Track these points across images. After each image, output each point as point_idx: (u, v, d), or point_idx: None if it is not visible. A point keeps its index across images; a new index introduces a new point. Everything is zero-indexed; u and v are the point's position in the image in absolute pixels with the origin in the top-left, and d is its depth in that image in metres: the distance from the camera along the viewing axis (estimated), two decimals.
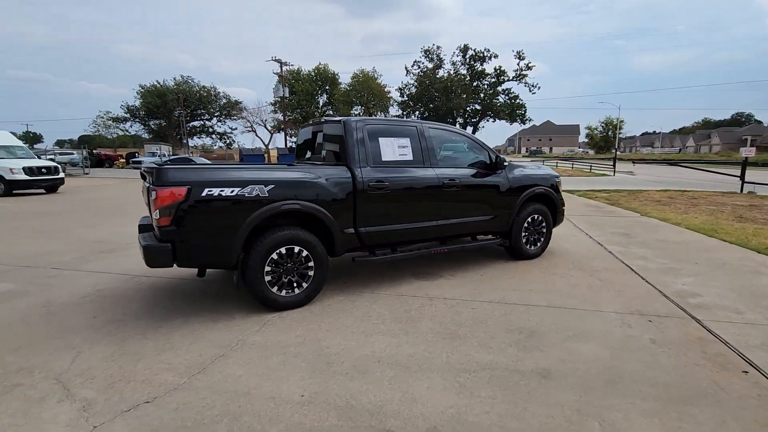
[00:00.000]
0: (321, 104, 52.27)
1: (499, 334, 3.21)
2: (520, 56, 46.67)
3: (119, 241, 6.45)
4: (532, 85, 47.69)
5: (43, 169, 14.25)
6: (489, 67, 48.61)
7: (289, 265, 3.62)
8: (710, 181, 17.62)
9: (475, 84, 49.13)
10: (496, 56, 47.87)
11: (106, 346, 3.03)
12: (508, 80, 48.39)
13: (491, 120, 50.75)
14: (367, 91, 48.82)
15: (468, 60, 48.68)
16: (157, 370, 2.69)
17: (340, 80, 52.25)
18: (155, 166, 3.32)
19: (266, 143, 47.66)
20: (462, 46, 48.18)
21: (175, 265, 3.31)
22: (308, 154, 4.98)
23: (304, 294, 3.72)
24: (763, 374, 2.60)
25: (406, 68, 49.39)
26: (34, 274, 4.81)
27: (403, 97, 50.12)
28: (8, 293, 4.17)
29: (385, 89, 50.97)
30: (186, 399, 2.37)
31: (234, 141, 55.46)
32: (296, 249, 3.62)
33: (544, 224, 5.41)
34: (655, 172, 26.60)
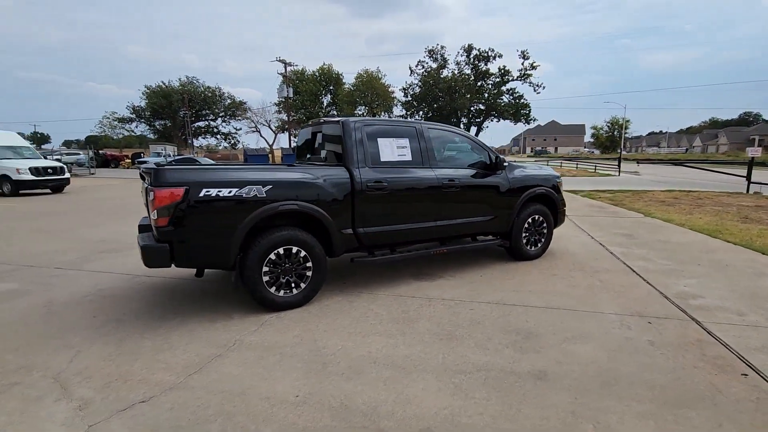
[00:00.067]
0: (325, 104, 52.42)
1: (496, 335, 3.20)
2: (524, 56, 46.51)
3: (122, 240, 6.49)
4: (537, 85, 47.52)
5: (49, 170, 14.38)
6: (493, 67, 48.49)
7: (287, 265, 3.63)
8: (716, 181, 17.46)
9: (479, 84, 48.99)
10: (500, 56, 47.73)
11: (105, 345, 3.05)
12: (513, 80, 48.22)
13: (495, 120, 50.60)
14: (371, 91, 48.84)
15: (472, 60, 48.56)
16: (154, 370, 2.70)
17: (344, 80, 52.39)
18: (154, 166, 3.34)
19: (270, 143, 47.85)
20: (466, 46, 48.09)
21: (173, 265, 3.33)
22: (308, 155, 4.99)
23: (302, 294, 3.72)
24: (762, 377, 2.57)
25: (410, 68, 49.38)
26: (37, 274, 4.86)
27: (407, 97, 50.08)
28: (11, 292, 4.22)
29: (389, 89, 50.98)
30: (181, 398, 2.38)
31: (238, 141, 55.83)
32: (294, 249, 3.63)
33: (544, 225, 5.39)
34: (660, 172, 26.40)
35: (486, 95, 49.39)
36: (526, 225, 5.22)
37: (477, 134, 49.92)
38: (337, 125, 4.18)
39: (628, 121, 68.28)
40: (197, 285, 4.36)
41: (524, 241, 5.23)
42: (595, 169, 28.16)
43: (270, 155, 38.38)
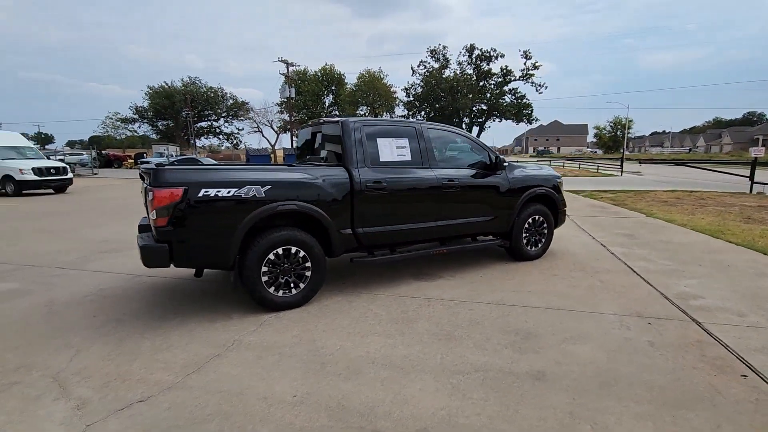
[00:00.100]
0: (327, 104, 52.46)
1: (495, 335, 3.19)
2: (526, 56, 46.39)
3: (124, 240, 6.51)
4: (539, 85, 47.38)
5: (51, 170, 14.45)
6: (495, 67, 48.40)
7: (286, 265, 3.63)
8: (719, 181, 17.38)
9: (481, 84, 48.91)
10: (502, 56, 47.62)
11: (105, 345, 3.06)
12: (515, 80, 48.11)
13: (497, 120, 50.51)
14: (372, 91, 48.84)
15: (474, 60, 48.48)
16: (152, 370, 2.71)
17: (346, 80, 52.43)
18: (153, 166, 3.35)
19: (273, 143, 47.89)
20: (468, 46, 48.00)
21: (172, 265, 3.34)
22: (308, 155, 4.99)
23: (301, 294, 3.73)
24: (762, 378, 2.56)
25: (412, 68, 49.33)
26: (39, 273, 4.88)
27: (409, 97, 50.07)
28: (12, 292, 4.24)
29: (391, 89, 50.98)
30: (179, 398, 2.39)
31: (241, 141, 55.94)
32: (293, 249, 3.64)
33: (545, 225, 5.38)
34: (663, 172, 26.31)
35: (488, 95, 49.30)
36: (527, 225, 5.21)
37: (479, 134, 49.90)
38: (336, 125, 4.19)
39: (631, 121, 68.16)
40: (197, 285, 4.37)
41: (524, 241, 5.22)
42: (598, 169, 28.08)
43: (272, 155, 38.44)
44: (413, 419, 2.20)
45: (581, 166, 33.27)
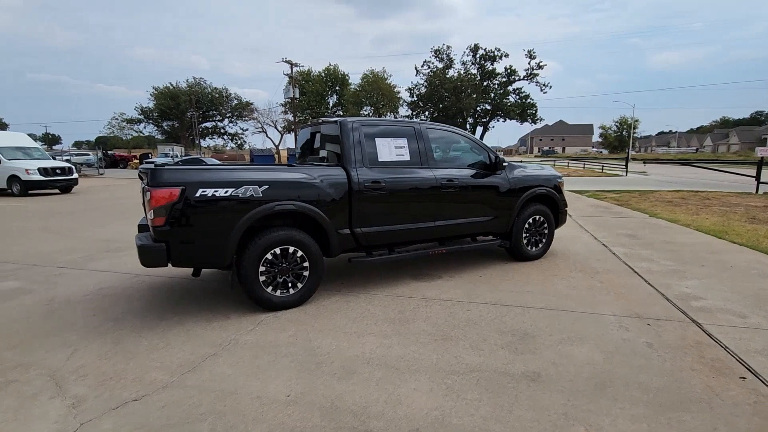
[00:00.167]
0: (331, 105, 52.54)
1: (491, 336, 3.18)
2: (531, 55, 46.22)
3: (126, 240, 6.55)
4: (544, 85, 47.20)
5: (57, 170, 14.58)
6: (499, 67, 48.28)
7: (284, 265, 3.64)
8: (726, 181, 17.22)
9: (485, 84, 48.78)
10: (506, 55, 47.50)
11: (102, 344, 3.08)
12: (519, 80, 47.97)
13: (502, 120, 50.36)
14: (376, 91, 48.86)
15: (478, 60, 48.37)
16: (148, 369, 2.72)
17: (350, 81, 52.49)
18: (152, 166, 3.37)
19: (277, 144, 48.04)
20: (472, 46, 47.91)
21: (170, 264, 3.36)
22: (308, 155, 5.00)
23: (299, 294, 3.73)
24: (761, 380, 2.53)
25: (416, 68, 49.28)
26: (41, 273, 4.92)
27: (412, 97, 50.04)
28: (14, 291, 4.28)
29: (395, 90, 50.97)
30: (174, 397, 2.39)
31: (245, 142, 56.19)
32: (291, 249, 3.64)
33: (545, 225, 5.35)
34: (668, 172, 26.11)
35: (492, 95, 49.19)
36: (527, 225, 5.18)
37: (483, 134, 49.79)
38: (335, 125, 4.19)
39: (637, 120, 67.69)
40: (197, 284, 4.39)
41: (525, 241, 5.19)
42: (602, 169, 27.92)
43: (276, 155, 38.54)
44: (406, 419, 2.19)
45: (586, 166, 33.11)
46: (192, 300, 3.98)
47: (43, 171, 14.06)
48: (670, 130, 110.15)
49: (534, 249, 5.31)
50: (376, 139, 4.20)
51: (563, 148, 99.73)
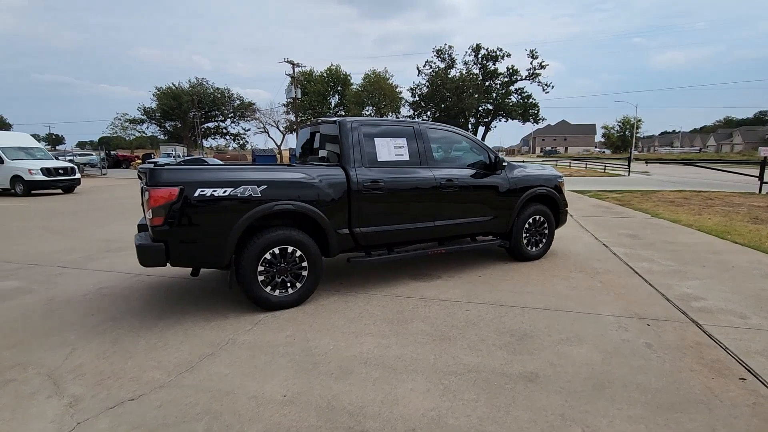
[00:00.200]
0: (333, 105, 52.58)
1: (490, 336, 3.16)
2: (533, 55, 46.16)
3: (127, 240, 6.56)
4: (546, 84, 47.16)
5: (60, 170, 14.64)
6: (501, 67, 48.24)
7: (283, 265, 3.63)
8: (729, 181, 17.13)
9: (487, 84, 48.74)
10: (508, 55, 47.46)
11: (100, 343, 3.08)
12: (521, 79, 47.94)
13: (504, 120, 50.30)
14: (378, 91, 48.86)
15: (480, 59, 48.33)
16: (146, 368, 2.72)
17: (352, 81, 52.51)
18: (151, 166, 3.37)
19: (279, 144, 48.10)
20: (474, 46, 47.88)
21: (168, 264, 3.36)
22: (308, 155, 4.99)
23: (298, 294, 3.72)
24: (761, 381, 2.51)
25: (417, 68, 49.29)
26: (41, 272, 4.94)
27: (414, 97, 50.01)
28: (14, 290, 4.29)
29: (397, 89, 50.96)
30: (170, 397, 2.39)
31: (247, 142, 56.28)
32: (290, 249, 3.64)
33: (545, 225, 5.33)
34: (671, 172, 26.00)
35: (494, 95, 49.14)
36: (527, 225, 5.16)
37: (485, 134, 49.73)
38: (334, 125, 4.18)
39: (639, 120, 67.47)
40: (196, 284, 4.39)
41: (525, 241, 5.18)
42: (605, 169, 27.83)
43: (278, 155, 38.60)
44: (402, 420, 2.18)
45: (588, 166, 33.01)
46: (191, 299, 3.98)
47: (46, 171, 14.12)
48: (674, 130, 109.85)
49: (534, 249, 5.29)
50: (375, 138, 4.20)
51: (566, 148, 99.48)
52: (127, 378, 2.60)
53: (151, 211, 3.16)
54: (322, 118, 4.68)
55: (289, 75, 40.63)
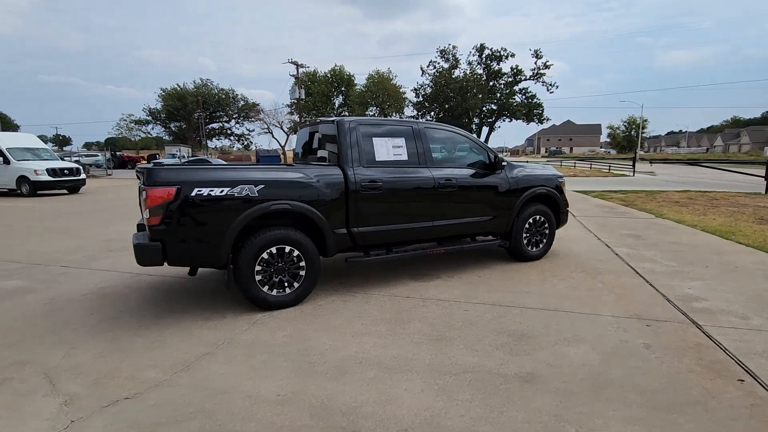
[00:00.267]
0: (336, 106, 52.66)
1: (487, 336, 3.15)
2: (537, 55, 45.92)
3: (129, 239, 6.57)
4: (550, 84, 46.90)
5: (65, 171, 14.76)
6: (506, 67, 48.06)
7: (280, 264, 3.64)
8: (735, 181, 16.96)
9: (491, 84, 48.59)
10: (512, 55, 47.25)
11: (99, 342, 3.10)
12: (525, 79, 47.72)
13: (508, 120, 50.13)
14: (382, 92, 48.86)
15: (484, 60, 48.18)
16: (143, 367, 2.73)
17: (355, 81, 52.58)
18: (149, 166, 3.39)
19: (283, 144, 48.21)
20: (478, 46, 47.73)
21: (166, 264, 3.37)
22: (307, 155, 5.00)
23: (295, 294, 3.73)
24: (760, 383, 2.47)
25: (421, 69, 49.18)
26: (44, 272, 4.98)
27: (418, 97, 49.95)
28: (16, 290, 4.33)
29: (401, 90, 50.94)
30: (166, 396, 2.40)
31: (251, 142, 56.48)
32: (287, 249, 3.64)
33: (546, 225, 5.30)
34: (677, 172, 25.80)
35: (498, 95, 48.97)
36: (527, 225, 5.14)
37: (489, 134, 49.62)
38: (332, 125, 4.18)
39: (645, 120, 67.03)
40: (194, 283, 4.41)
41: (525, 241, 5.15)
42: (609, 170, 27.66)
43: (282, 156, 38.70)
44: (395, 420, 2.18)
45: (593, 166, 32.82)
46: (189, 299, 3.99)
47: (51, 172, 14.24)
48: (680, 130, 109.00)
49: (534, 249, 5.26)
50: (373, 138, 4.19)
51: (571, 149, 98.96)
52: (123, 377, 2.61)
53: (148, 210, 3.18)
54: (321, 118, 4.68)
55: (293, 76, 40.78)
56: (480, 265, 5.12)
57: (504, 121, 50.50)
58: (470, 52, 48.39)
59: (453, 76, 47.85)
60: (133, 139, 61.45)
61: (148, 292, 4.25)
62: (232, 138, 57.88)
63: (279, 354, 2.91)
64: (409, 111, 50.80)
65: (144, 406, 2.30)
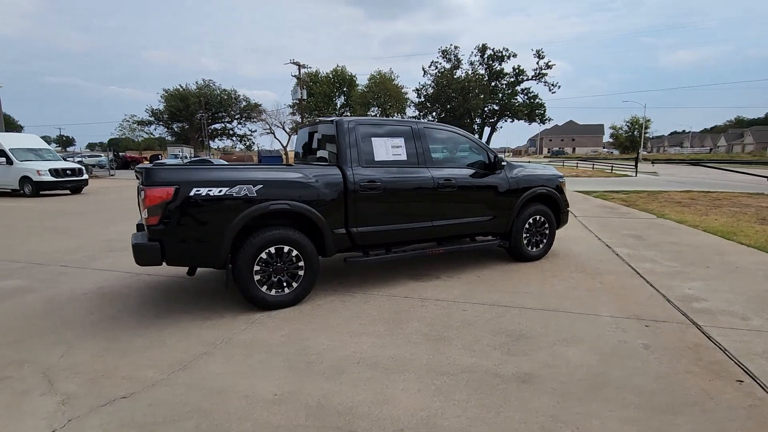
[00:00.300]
0: (338, 106, 52.71)
1: (485, 337, 3.14)
2: (539, 55, 45.89)
3: (130, 240, 6.61)
4: (552, 84, 46.85)
5: (67, 171, 14.82)
6: (507, 67, 48.04)
7: (279, 264, 3.64)
8: (739, 181, 16.88)
9: (493, 84, 48.56)
10: (514, 55, 47.25)
11: (97, 342, 3.11)
12: (527, 80, 47.70)
13: (510, 120, 50.07)
14: (383, 92, 48.87)
15: (486, 60, 48.17)
16: (140, 367, 2.74)
17: (357, 82, 52.63)
18: (147, 165, 3.40)
19: (284, 145, 48.28)
20: (480, 46, 47.74)
21: (165, 264, 3.38)
22: (307, 155, 5.00)
23: (294, 294, 3.73)
24: (759, 384, 2.46)
25: (423, 69, 49.23)
26: (45, 271, 4.99)
27: (420, 98, 49.97)
28: (17, 289, 4.34)
29: (402, 90, 50.94)
30: (162, 395, 2.40)
31: (254, 143, 56.58)
32: (286, 249, 3.64)
33: (546, 225, 5.29)
34: (679, 172, 25.68)
35: (500, 95, 48.94)
36: (527, 225, 5.13)
37: (491, 135, 49.58)
38: (331, 125, 4.19)
39: (648, 120, 66.80)
40: (194, 283, 4.42)
41: (525, 241, 5.14)
42: (612, 170, 27.58)
43: (284, 156, 38.75)
44: (391, 420, 2.17)
45: (595, 166, 32.75)
46: (188, 299, 4.00)
47: (54, 172, 14.30)
48: (684, 130, 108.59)
49: (534, 249, 5.25)
50: (372, 138, 4.19)
51: (573, 149, 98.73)
52: (121, 376, 2.61)
53: (146, 210, 3.19)
54: (320, 118, 4.69)
55: (295, 76, 40.83)
56: (479, 265, 5.11)
57: (506, 121, 50.54)
58: (472, 52, 48.56)
59: (455, 77, 47.87)
60: (136, 140, 61.64)
61: (148, 291, 4.26)
62: (234, 138, 58.09)
63: (276, 354, 2.91)
64: (410, 111, 50.82)
65: (140, 406, 2.30)
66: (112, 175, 27.68)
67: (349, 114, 49.18)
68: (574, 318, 3.47)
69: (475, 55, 48.36)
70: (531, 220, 5.14)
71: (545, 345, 3.00)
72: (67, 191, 15.09)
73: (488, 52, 47.74)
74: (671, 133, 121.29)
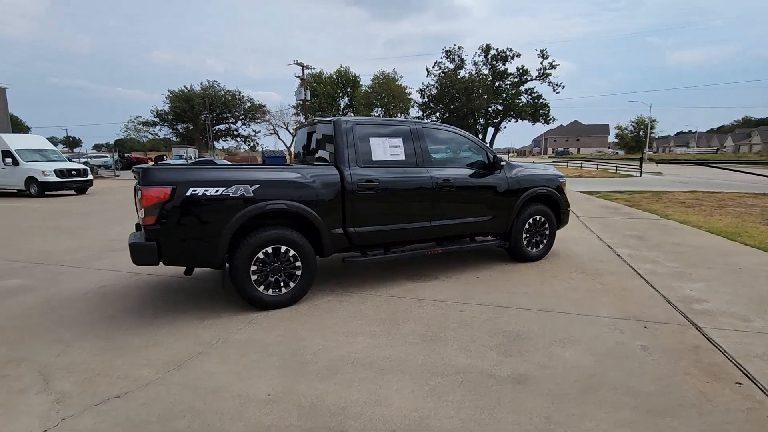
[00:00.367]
0: (342, 106, 52.79)
1: (481, 337, 3.12)
2: (543, 55, 45.78)
3: None
4: (557, 84, 46.72)
5: (72, 171, 14.94)
6: (511, 67, 47.95)
7: (276, 264, 3.64)
8: (745, 182, 16.71)
9: (497, 84, 48.47)
10: (518, 55, 47.17)
11: (95, 341, 3.12)
12: (531, 80, 47.57)
13: (513, 120, 49.93)
14: (387, 93, 48.90)
15: (490, 60, 48.11)
16: (136, 366, 2.75)
17: (361, 82, 52.68)
18: (146, 165, 3.42)
19: (288, 145, 48.41)
20: (484, 46, 47.70)
21: (162, 263, 3.39)
22: (306, 155, 5.01)
23: (291, 294, 3.73)
24: (758, 386, 2.42)
25: (427, 69, 49.22)
26: (46, 271, 5.03)
27: (423, 98, 49.95)
28: (17, 289, 4.38)
29: (406, 91, 50.95)
30: (156, 394, 2.41)
31: (258, 143, 56.79)
32: (283, 248, 3.64)
33: (546, 226, 5.25)
34: (684, 172, 25.47)
35: (504, 95, 48.83)
36: (527, 226, 5.10)
37: (495, 135, 49.44)
38: (329, 125, 4.18)
39: (654, 120, 66.38)
40: (192, 283, 4.43)
41: (525, 242, 5.11)
42: (616, 170, 27.40)
43: (288, 156, 38.85)
44: (383, 421, 2.16)
45: (599, 166, 32.56)
46: (186, 298, 4.01)
47: (59, 172, 14.42)
48: (690, 130, 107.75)
49: (534, 250, 5.22)
50: (370, 138, 4.19)
51: (578, 149, 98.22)
52: (116, 375, 2.62)
53: (143, 210, 3.20)
54: (318, 118, 4.69)
55: (298, 77, 40.94)
56: (479, 265, 5.09)
57: (510, 121, 50.40)
58: (476, 52, 48.44)
59: (458, 77, 47.82)
60: (141, 141, 62.08)
61: (147, 291, 4.27)
62: (238, 139, 58.27)
63: (271, 353, 2.91)
64: (414, 112, 50.83)
65: (134, 405, 2.30)
66: (117, 176, 27.87)
67: (352, 114, 49.24)
68: (571, 319, 3.45)
69: (479, 56, 48.36)
70: (531, 221, 5.11)
71: (542, 346, 2.98)
72: (72, 192, 15.21)
73: (492, 52, 47.69)
74: (677, 133, 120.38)
